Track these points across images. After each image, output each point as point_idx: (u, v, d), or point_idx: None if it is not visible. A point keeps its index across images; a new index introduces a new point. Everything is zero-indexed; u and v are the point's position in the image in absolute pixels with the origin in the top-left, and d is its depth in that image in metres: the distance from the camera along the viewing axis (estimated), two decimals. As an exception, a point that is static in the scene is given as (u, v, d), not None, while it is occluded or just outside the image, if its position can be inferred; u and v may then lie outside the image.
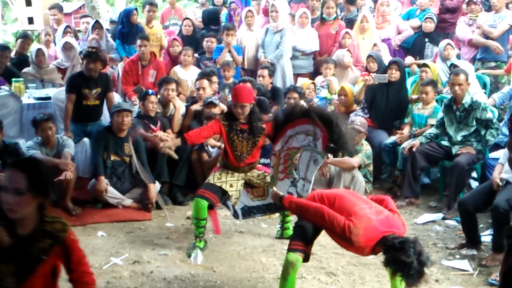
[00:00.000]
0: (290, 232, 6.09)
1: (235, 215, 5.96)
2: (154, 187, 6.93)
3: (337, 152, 5.14)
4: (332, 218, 4.14)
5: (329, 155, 5.47)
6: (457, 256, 5.85)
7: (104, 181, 6.86)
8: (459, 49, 9.45)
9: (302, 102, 6.92)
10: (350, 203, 4.32)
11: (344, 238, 4.14)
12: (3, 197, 2.88)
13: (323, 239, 6.17)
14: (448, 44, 8.69)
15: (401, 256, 3.89)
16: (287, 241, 6.01)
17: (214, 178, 5.78)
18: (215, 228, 6.13)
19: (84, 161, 7.39)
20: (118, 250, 5.93)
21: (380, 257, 5.70)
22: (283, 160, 5.51)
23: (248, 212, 5.97)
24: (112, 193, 6.94)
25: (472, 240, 5.96)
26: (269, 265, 5.65)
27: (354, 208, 4.23)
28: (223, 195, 5.80)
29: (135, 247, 6.03)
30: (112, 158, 7.08)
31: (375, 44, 9.24)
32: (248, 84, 7.27)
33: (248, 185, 5.93)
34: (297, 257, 4.44)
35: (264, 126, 5.73)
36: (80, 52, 8.56)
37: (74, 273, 3.21)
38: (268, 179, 5.74)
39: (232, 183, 5.80)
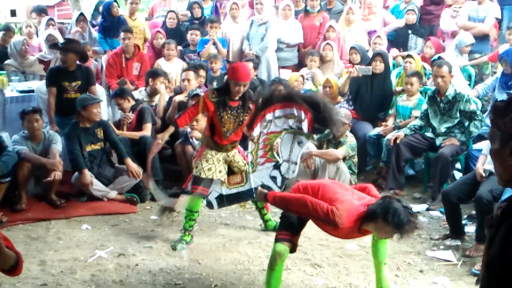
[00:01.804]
0: (273, 223, 6.13)
1: (209, 205, 5.87)
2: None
3: (324, 131, 5.23)
4: (315, 205, 4.16)
5: (315, 141, 5.51)
6: (441, 247, 5.89)
7: (88, 173, 6.82)
8: (443, 41, 9.49)
9: (281, 88, 6.94)
10: (333, 191, 4.35)
11: (329, 222, 4.15)
12: None
13: (309, 231, 6.20)
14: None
15: (387, 207, 3.98)
16: (273, 233, 6.04)
17: (205, 170, 5.66)
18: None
19: (66, 154, 7.32)
20: (103, 243, 5.91)
21: (366, 248, 5.78)
22: (262, 145, 5.54)
23: (225, 200, 5.86)
24: (97, 185, 6.93)
25: (456, 230, 6.00)
26: (255, 257, 5.66)
27: (336, 195, 4.26)
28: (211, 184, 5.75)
29: (120, 240, 6.02)
30: (88, 149, 7.06)
31: (378, 36, 9.21)
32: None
33: (232, 170, 5.88)
34: (284, 247, 4.45)
35: (251, 106, 5.68)
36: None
37: None
38: (246, 167, 5.78)
39: (220, 168, 5.73)
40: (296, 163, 5.53)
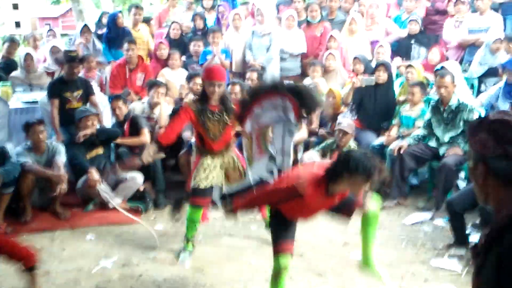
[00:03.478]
0: None
1: (214, 205, 5.77)
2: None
3: (309, 115, 5.25)
4: (274, 188, 4.28)
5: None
6: (446, 256, 5.86)
7: (95, 171, 6.87)
8: (446, 50, 9.49)
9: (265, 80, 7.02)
10: (294, 172, 4.46)
11: (295, 196, 4.14)
12: None
13: (313, 239, 6.22)
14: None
15: (346, 160, 4.00)
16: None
17: (201, 180, 5.65)
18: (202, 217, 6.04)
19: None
20: (107, 253, 5.91)
21: (387, 256, 5.76)
22: (256, 140, 5.53)
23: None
24: (103, 187, 6.96)
25: (460, 240, 5.98)
26: (259, 267, 5.64)
27: (297, 172, 4.38)
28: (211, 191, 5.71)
29: (124, 250, 6.02)
30: (89, 156, 7.12)
31: (381, 45, 9.22)
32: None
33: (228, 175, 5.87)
34: (287, 258, 4.43)
35: (233, 106, 5.68)
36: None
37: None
38: (240, 168, 5.83)
39: (218, 174, 5.73)
40: (289, 155, 5.52)
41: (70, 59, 7.81)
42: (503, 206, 2.02)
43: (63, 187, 6.66)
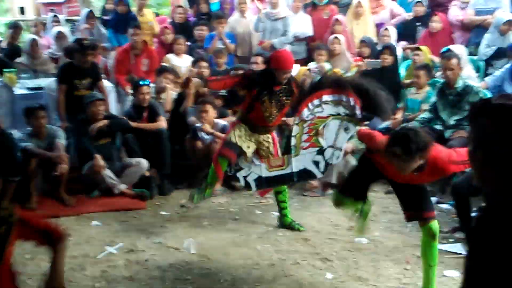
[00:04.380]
0: (289, 219, 6.14)
1: (247, 186, 5.78)
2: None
3: (372, 118, 5.24)
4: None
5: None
6: (451, 240, 5.86)
7: (100, 158, 6.91)
8: (452, 33, 9.42)
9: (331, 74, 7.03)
10: None
11: None
12: None
13: (317, 225, 6.23)
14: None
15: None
16: (282, 228, 6.08)
17: (235, 136, 5.66)
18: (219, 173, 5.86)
19: (73, 151, 7.37)
20: (112, 239, 5.93)
21: (375, 242, 5.78)
22: (307, 130, 5.49)
23: (264, 183, 5.75)
24: (108, 173, 6.99)
25: (465, 223, 5.97)
26: (264, 252, 5.66)
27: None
28: (239, 156, 5.70)
29: (130, 235, 6.04)
30: (96, 143, 7.13)
31: (386, 29, 9.18)
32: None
33: (259, 152, 5.87)
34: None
35: (294, 89, 5.66)
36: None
37: (48, 237, 3.12)
38: (271, 149, 5.83)
39: (250, 144, 5.73)
40: (341, 149, 5.51)
41: (83, 47, 7.80)
42: (499, 193, 2.00)
43: (65, 166, 6.72)
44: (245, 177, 5.71)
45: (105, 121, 7.10)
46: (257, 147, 5.84)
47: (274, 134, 6.00)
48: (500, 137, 1.96)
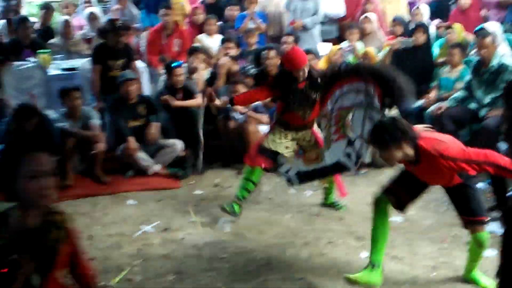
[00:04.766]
0: (332, 198, 6.15)
1: (290, 181, 5.77)
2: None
3: (393, 105, 5.07)
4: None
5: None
6: (488, 218, 5.83)
7: (133, 140, 6.97)
8: (488, 10, 9.29)
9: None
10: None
11: None
12: (36, 187, 2.59)
13: (352, 204, 6.22)
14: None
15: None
16: (316, 207, 6.07)
17: (269, 141, 5.69)
18: (340, 189, 6.01)
19: (110, 132, 7.43)
20: (148, 218, 5.99)
21: (410, 221, 5.76)
22: (334, 121, 5.45)
23: (304, 177, 5.73)
24: (142, 155, 7.04)
25: (501, 202, 5.92)
26: (298, 231, 5.68)
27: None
28: (276, 157, 5.70)
29: (165, 214, 6.10)
30: (130, 124, 7.15)
31: (418, 7, 9.07)
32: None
33: (298, 149, 5.86)
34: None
35: (320, 81, 5.57)
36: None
37: (78, 267, 2.98)
38: (316, 146, 5.76)
39: (288, 144, 5.73)
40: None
41: (116, 28, 7.86)
42: None
43: (101, 145, 6.83)
44: (286, 172, 5.73)
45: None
46: (299, 144, 5.83)
47: (315, 128, 5.94)
48: None
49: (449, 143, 4.21)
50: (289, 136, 5.74)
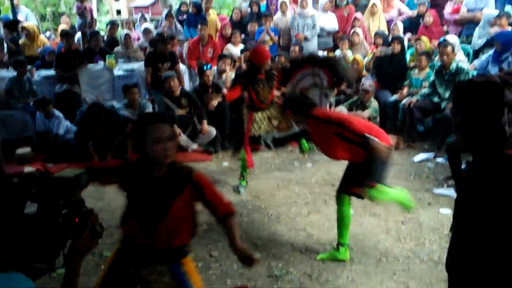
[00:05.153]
0: (306, 145, 6.03)
1: (268, 146, 5.72)
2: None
3: (341, 83, 5.15)
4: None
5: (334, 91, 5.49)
6: (445, 186, 5.79)
7: (176, 126, 6.91)
8: (448, 26, 9.15)
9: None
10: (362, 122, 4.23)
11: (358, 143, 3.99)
12: (160, 149, 2.55)
13: (341, 173, 6.17)
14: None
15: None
16: (314, 176, 6.04)
17: (256, 129, 5.65)
18: (249, 162, 5.87)
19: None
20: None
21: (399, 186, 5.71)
22: None
23: (277, 142, 5.54)
24: (183, 137, 7.05)
25: (456, 174, 5.87)
26: (301, 193, 5.68)
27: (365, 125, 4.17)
28: (261, 139, 5.69)
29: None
30: (176, 114, 7.13)
31: (395, 24, 8.96)
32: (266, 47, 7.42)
33: (271, 120, 5.78)
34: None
35: (275, 72, 5.60)
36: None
37: (218, 209, 2.67)
38: (285, 117, 5.67)
39: (266, 122, 5.67)
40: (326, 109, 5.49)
41: (164, 39, 7.89)
42: (480, 152, 1.98)
43: None
44: (265, 141, 5.71)
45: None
46: (270, 120, 5.75)
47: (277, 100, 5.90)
48: (476, 106, 1.93)
49: (331, 112, 4.38)
50: (266, 116, 5.68)
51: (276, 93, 6.03)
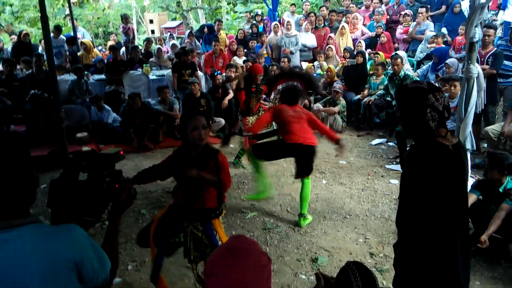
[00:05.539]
0: (236, 161, 5.90)
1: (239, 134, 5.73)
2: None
3: (311, 93, 5.22)
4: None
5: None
6: (394, 163, 5.78)
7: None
8: (398, 44, 9.06)
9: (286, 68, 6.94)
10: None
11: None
12: (197, 134, 2.57)
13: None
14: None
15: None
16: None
17: (249, 125, 5.54)
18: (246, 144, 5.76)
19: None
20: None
21: (351, 163, 5.67)
22: (278, 103, 5.44)
23: (260, 136, 5.66)
24: None
25: (402, 154, 5.85)
26: (287, 168, 5.65)
27: None
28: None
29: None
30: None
31: (359, 42, 8.86)
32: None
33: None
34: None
35: (262, 87, 5.51)
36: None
37: (224, 186, 2.69)
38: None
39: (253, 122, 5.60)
40: None
41: (186, 52, 7.79)
42: (413, 137, 2.02)
43: (178, 120, 6.74)
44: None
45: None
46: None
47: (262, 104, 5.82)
48: (406, 105, 1.97)
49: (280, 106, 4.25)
50: (254, 119, 5.55)
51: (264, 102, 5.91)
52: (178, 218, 2.76)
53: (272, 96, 5.36)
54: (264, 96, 5.84)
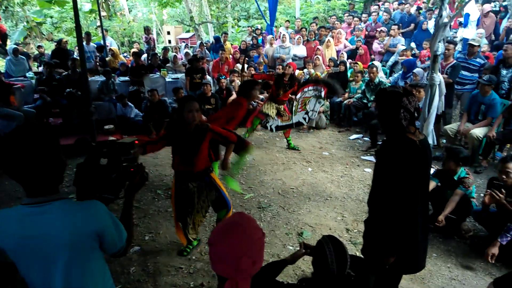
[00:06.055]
0: (292, 144, 5.94)
1: (271, 130, 5.68)
2: None
3: (333, 97, 5.29)
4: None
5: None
6: (369, 154, 5.76)
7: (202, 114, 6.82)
8: (374, 56, 8.99)
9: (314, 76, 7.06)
10: None
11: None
12: (191, 115, 2.69)
13: (305, 145, 6.10)
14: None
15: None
16: (288, 149, 5.97)
17: (264, 108, 5.53)
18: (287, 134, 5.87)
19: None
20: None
21: (332, 155, 5.64)
22: (300, 104, 5.51)
23: (279, 128, 5.68)
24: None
25: (374, 146, 5.85)
26: (279, 157, 5.62)
27: None
28: (267, 116, 5.56)
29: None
30: (206, 107, 6.99)
31: (342, 53, 8.79)
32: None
33: (278, 113, 5.66)
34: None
35: (295, 82, 5.51)
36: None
37: (228, 138, 2.87)
38: (286, 113, 5.64)
39: (272, 111, 5.57)
40: (316, 111, 5.56)
41: (197, 59, 7.72)
42: (388, 134, 2.00)
43: None
44: (270, 126, 5.65)
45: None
46: (278, 110, 5.67)
47: (286, 105, 5.79)
48: (383, 106, 1.97)
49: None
50: (274, 106, 5.57)
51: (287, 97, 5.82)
52: (183, 183, 2.89)
53: (298, 96, 5.37)
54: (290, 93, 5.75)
